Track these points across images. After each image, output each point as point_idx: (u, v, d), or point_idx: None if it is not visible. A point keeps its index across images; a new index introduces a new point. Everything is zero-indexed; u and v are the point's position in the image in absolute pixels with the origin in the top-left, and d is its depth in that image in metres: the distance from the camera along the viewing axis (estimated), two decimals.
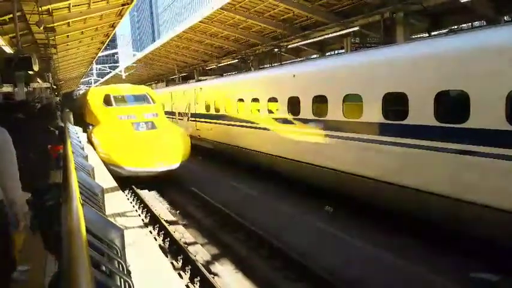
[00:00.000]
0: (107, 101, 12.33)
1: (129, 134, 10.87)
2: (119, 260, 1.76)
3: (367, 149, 6.72)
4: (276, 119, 9.57)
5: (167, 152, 10.40)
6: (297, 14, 14.14)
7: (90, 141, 11.86)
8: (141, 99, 12.58)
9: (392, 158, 6.28)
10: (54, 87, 25.05)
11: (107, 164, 9.64)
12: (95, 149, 10.92)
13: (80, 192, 2.33)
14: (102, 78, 54.13)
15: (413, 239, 6.17)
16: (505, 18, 11.44)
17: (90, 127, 12.59)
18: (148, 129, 11.19)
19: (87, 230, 1.67)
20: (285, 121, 9.12)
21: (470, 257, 5.34)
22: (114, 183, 7.90)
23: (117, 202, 6.45)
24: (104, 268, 1.65)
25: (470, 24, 13.21)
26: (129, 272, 1.81)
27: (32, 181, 2.69)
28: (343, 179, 7.32)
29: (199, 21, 16.77)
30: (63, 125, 8.96)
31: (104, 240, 1.80)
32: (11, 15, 8.90)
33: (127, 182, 11.05)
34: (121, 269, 1.72)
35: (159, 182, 11.14)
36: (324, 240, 6.53)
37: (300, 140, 8.63)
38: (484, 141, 4.93)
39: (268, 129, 9.88)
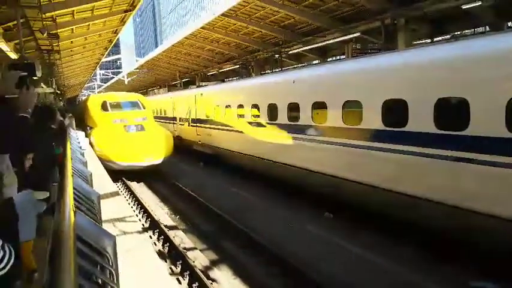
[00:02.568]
0: (104, 106, 14.20)
1: (121, 134, 12.67)
2: (110, 268, 1.76)
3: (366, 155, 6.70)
4: (277, 125, 9.55)
5: (152, 150, 12.26)
6: (298, 20, 14.20)
7: (89, 142, 13.32)
8: (133, 105, 14.46)
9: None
10: (58, 92, 25.24)
11: (102, 160, 11.03)
12: (93, 148, 12.45)
13: (75, 199, 2.33)
14: (105, 83, 54.47)
15: (410, 245, 6.12)
16: (509, 24, 11.41)
17: (89, 129, 14.51)
18: (138, 131, 13.02)
19: (79, 238, 1.67)
20: (287, 127, 9.09)
21: (470, 264, 5.28)
22: (114, 189, 7.90)
23: (117, 207, 6.44)
24: (94, 277, 1.64)
25: (472, 30, 13.18)
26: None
27: (39, 183, 2.65)
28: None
29: (201, 27, 16.88)
30: (61, 118, 8.98)
31: (95, 248, 1.79)
32: (15, 22, 8.98)
33: (127, 186, 11.17)
34: (111, 278, 1.72)
35: (161, 186, 11.27)
36: (323, 247, 6.49)
37: (304, 145, 8.59)
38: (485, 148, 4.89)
39: (270, 136, 9.87)
